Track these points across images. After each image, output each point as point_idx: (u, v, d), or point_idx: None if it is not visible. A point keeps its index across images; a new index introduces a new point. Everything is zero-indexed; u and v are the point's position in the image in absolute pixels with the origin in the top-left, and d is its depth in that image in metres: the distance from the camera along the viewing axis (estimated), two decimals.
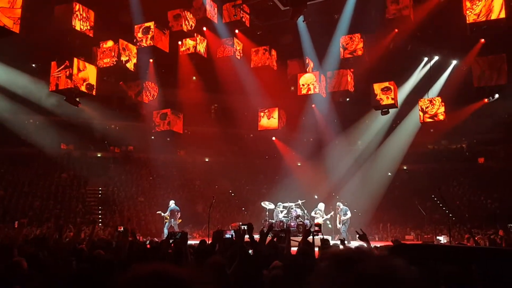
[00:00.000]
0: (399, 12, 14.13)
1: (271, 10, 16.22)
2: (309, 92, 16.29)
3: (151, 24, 14.76)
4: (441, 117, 15.06)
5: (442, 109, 15.08)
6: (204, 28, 16.78)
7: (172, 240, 6.07)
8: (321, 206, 15.30)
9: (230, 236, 8.70)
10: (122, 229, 7.07)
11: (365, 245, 4.98)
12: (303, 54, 17.68)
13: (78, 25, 12.57)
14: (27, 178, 20.20)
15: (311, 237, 6.93)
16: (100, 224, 17.94)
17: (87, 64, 12.73)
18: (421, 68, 20.53)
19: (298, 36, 18.25)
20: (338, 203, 15.03)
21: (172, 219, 15.12)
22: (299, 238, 7.59)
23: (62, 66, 12.21)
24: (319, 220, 14.55)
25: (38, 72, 19.58)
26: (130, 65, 14.32)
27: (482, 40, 14.65)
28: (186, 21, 15.33)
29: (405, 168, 24.36)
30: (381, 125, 22.92)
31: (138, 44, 14.88)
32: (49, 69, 12.53)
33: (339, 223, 14.62)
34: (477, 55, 13.45)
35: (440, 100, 15.22)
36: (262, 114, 17.82)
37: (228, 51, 16.67)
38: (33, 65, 21.34)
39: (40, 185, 20.13)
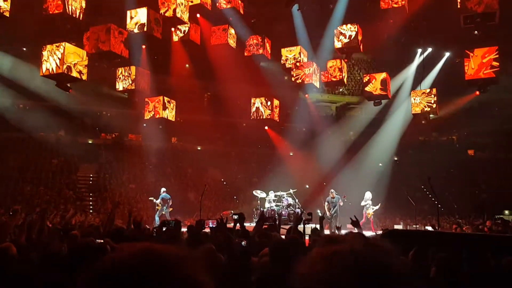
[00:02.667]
0: (394, 2, 14.09)
1: None
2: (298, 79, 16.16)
3: (144, 9, 14.50)
4: (433, 109, 15.10)
5: (434, 101, 15.11)
6: (198, 15, 16.59)
7: (165, 228, 6.07)
8: (368, 195, 14.75)
9: (213, 226, 8.40)
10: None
11: (356, 230, 5.08)
12: (298, 44, 17.58)
13: (69, 8, 12.33)
14: (17, 164, 19.99)
15: (301, 225, 6.95)
16: (91, 211, 17.89)
17: (78, 49, 12.52)
18: (416, 59, 20.55)
19: (293, 25, 18.15)
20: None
21: (164, 207, 15.12)
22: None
23: (53, 51, 12.01)
24: (369, 211, 14.49)
25: (28, 56, 19.29)
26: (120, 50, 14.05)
27: (476, 32, 14.66)
28: (179, 7, 15.11)
29: (395, 159, 24.53)
30: (373, 115, 23.01)
31: (130, 30, 14.62)
32: (39, 53, 12.32)
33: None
34: (469, 47, 13.44)
35: (432, 91, 15.25)
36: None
37: (222, 39, 16.50)
38: (24, 48, 21.01)
39: (30, 170, 19.94)
